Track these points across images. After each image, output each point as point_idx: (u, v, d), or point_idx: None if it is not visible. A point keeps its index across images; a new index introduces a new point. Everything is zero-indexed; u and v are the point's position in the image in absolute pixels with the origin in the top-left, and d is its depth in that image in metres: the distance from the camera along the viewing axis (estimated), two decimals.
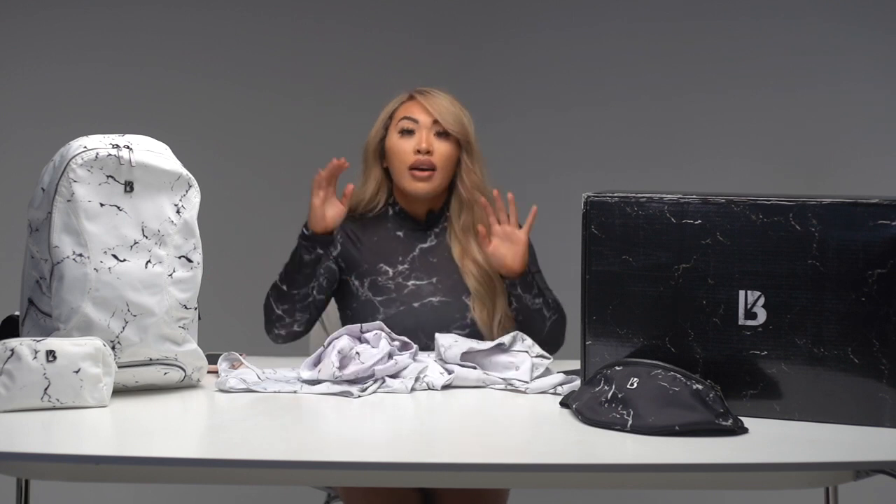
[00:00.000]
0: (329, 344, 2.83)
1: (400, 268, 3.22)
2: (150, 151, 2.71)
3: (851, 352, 2.42)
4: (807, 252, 2.44)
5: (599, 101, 4.53)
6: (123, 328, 2.65)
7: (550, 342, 3.15)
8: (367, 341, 2.85)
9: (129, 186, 2.68)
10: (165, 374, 2.73)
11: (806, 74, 4.45)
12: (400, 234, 3.25)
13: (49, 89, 4.43)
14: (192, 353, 2.75)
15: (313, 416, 2.62)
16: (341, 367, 2.77)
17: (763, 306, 2.47)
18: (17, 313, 2.78)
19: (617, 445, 2.35)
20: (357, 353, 2.80)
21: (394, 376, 2.81)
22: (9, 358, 2.54)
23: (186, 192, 2.74)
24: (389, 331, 2.88)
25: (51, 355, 2.55)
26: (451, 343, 2.89)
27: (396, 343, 2.86)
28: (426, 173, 3.18)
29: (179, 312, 2.71)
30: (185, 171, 2.74)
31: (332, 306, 3.32)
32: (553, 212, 4.12)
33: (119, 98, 4.41)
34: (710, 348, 2.50)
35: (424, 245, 3.25)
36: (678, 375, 2.43)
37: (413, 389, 2.78)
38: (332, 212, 3.11)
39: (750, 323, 2.48)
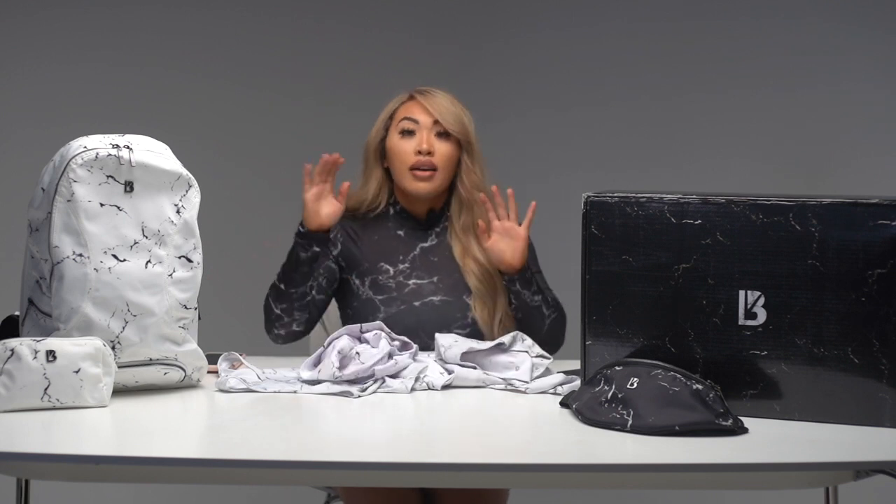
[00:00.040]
0: (329, 344, 2.83)
1: (401, 267, 3.22)
2: (150, 151, 2.71)
3: (851, 352, 2.42)
4: (807, 252, 2.44)
5: (599, 101, 4.53)
6: (123, 328, 2.65)
7: (550, 341, 3.15)
8: (367, 341, 2.85)
9: (129, 186, 2.68)
10: (165, 374, 2.73)
11: (806, 74, 4.45)
12: (401, 233, 3.25)
13: (49, 89, 4.43)
14: (192, 353, 2.75)
15: (313, 416, 2.62)
16: (341, 367, 2.77)
17: (763, 306, 2.47)
18: (17, 313, 2.78)
19: (617, 445, 2.35)
20: (357, 353, 2.80)
21: (394, 376, 2.81)
22: (9, 358, 2.54)
23: (186, 192, 2.74)
24: (389, 331, 2.88)
25: (51, 355, 2.55)
26: (451, 343, 2.89)
27: (396, 343, 2.86)
28: (427, 173, 3.18)
29: (179, 312, 2.71)
30: (185, 171, 2.74)
31: (332, 306, 3.32)
32: (553, 212, 4.12)
33: (119, 98, 4.41)
34: (710, 348, 2.50)
35: (425, 244, 3.25)
36: (678, 375, 2.43)
37: (413, 389, 2.78)
38: (327, 209, 3.11)
39: (750, 323, 2.48)
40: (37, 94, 4.43)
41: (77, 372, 2.56)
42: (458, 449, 2.39)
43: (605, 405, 2.45)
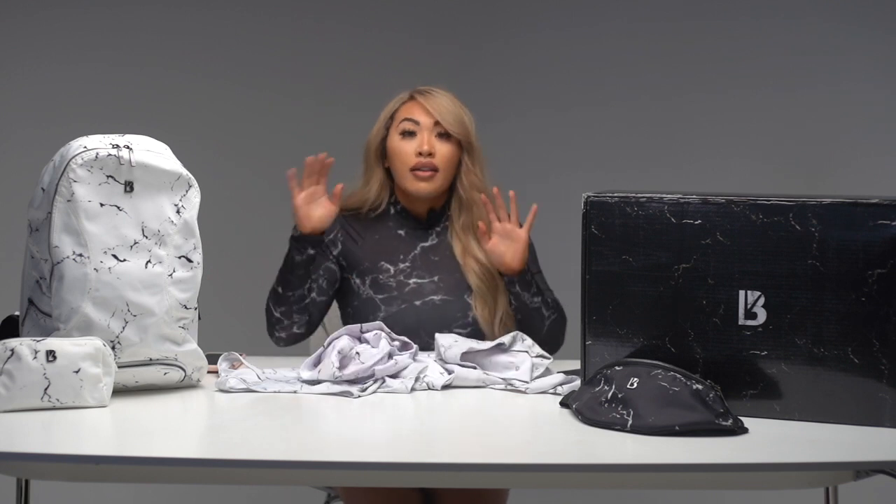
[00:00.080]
0: (329, 344, 2.83)
1: (401, 266, 3.22)
2: (150, 151, 2.71)
3: (851, 352, 2.42)
4: (807, 252, 2.44)
5: (599, 101, 4.53)
6: (123, 328, 2.65)
7: (550, 342, 3.15)
8: (367, 341, 2.85)
9: (129, 186, 2.68)
10: (165, 374, 2.73)
11: (806, 74, 4.45)
12: (401, 232, 3.25)
13: (49, 89, 4.43)
14: (192, 353, 2.75)
15: (313, 416, 2.62)
16: (341, 367, 2.77)
17: (763, 306, 2.47)
18: (17, 313, 2.78)
19: (617, 445, 2.35)
20: (357, 353, 2.80)
21: (394, 376, 2.81)
22: (9, 358, 2.54)
23: (186, 192, 2.74)
24: (389, 331, 2.88)
25: (51, 355, 2.55)
26: (451, 343, 2.89)
27: (396, 343, 2.86)
28: (428, 174, 3.18)
29: (179, 312, 2.71)
30: (185, 171, 2.74)
31: (332, 306, 3.31)
32: (553, 212, 4.12)
33: (119, 98, 4.41)
34: (710, 348, 2.50)
35: (426, 244, 3.25)
36: (678, 375, 2.43)
37: (413, 389, 2.78)
38: (319, 212, 3.11)
39: (750, 323, 2.48)
40: (37, 94, 4.43)
41: (77, 372, 2.56)
42: (458, 449, 2.39)
43: (605, 405, 2.45)
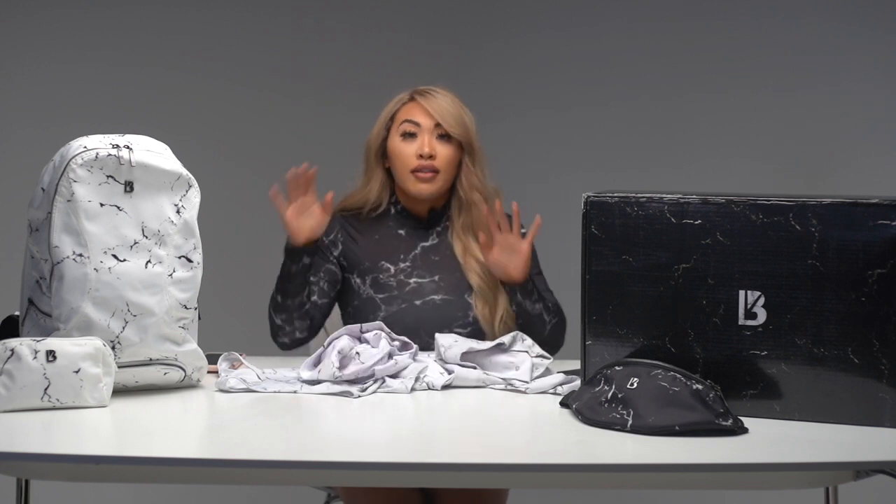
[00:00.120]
0: (329, 344, 2.83)
1: (402, 265, 3.22)
2: (150, 151, 2.71)
3: (851, 352, 2.42)
4: (807, 252, 2.44)
5: (599, 101, 4.53)
6: (123, 328, 2.65)
7: (551, 344, 3.15)
8: (367, 341, 2.85)
9: (129, 186, 2.68)
10: (165, 374, 2.73)
11: (806, 74, 4.45)
12: (402, 232, 3.25)
13: (49, 89, 4.43)
14: (192, 353, 2.75)
15: (313, 416, 2.62)
16: (341, 367, 2.77)
17: (763, 306, 2.47)
18: (17, 313, 2.78)
19: (617, 445, 2.35)
20: (357, 353, 2.80)
21: (394, 376, 2.81)
22: (9, 358, 2.54)
23: (186, 192, 2.74)
24: (389, 331, 2.88)
25: (51, 355, 2.55)
26: (450, 343, 2.89)
27: (396, 343, 2.86)
28: (429, 175, 3.18)
29: (179, 312, 2.71)
30: (185, 171, 2.74)
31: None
32: (553, 212, 4.12)
33: (119, 98, 4.41)
34: (710, 348, 2.50)
35: (426, 243, 3.25)
36: (678, 375, 2.43)
37: (413, 389, 2.78)
38: (310, 222, 3.10)
39: (750, 323, 2.48)
40: (37, 94, 4.43)
41: (77, 372, 2.56)
42: (458, 449, 2.39)
43: (605, 405, 2.45)
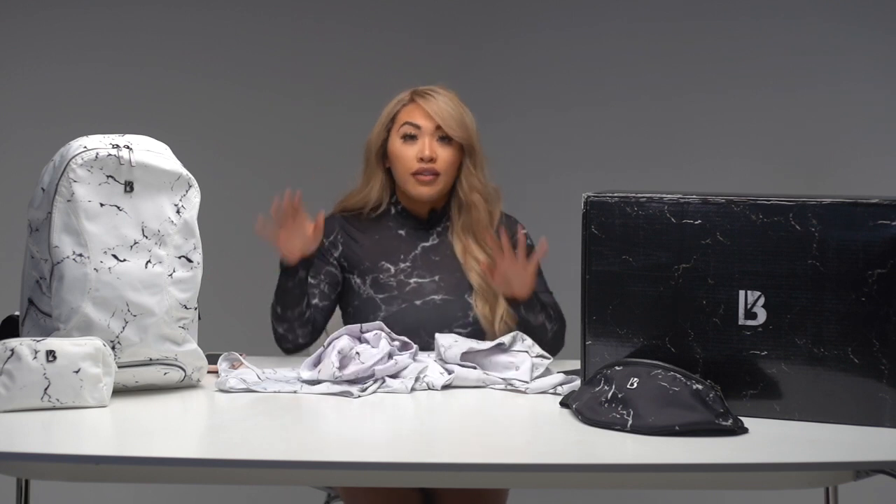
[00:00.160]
0: (329, 344, 2.83)
1: (402, 265, 3.22)
2: (150, 151, 2.71)
3: (851, 352, 2.42)
4: (807, 252, 2.44)
5: (599, 101, 4.53)
6: (123, 328, 2.65)
7: (551, 348, 3.13)
8: (367, 341, 2.85)
9: (129, 186, 2.68)
10: (165, 374, 2.73)
11: (806, 74, 4.45)
12: (402, 232, 3.25)
13: (49, 89, 4.43)
14: (192, 353, 2.75)
15: (313, 416, 2.62)
16: (341, 367, 2.78)
17: (763, 306, 2.47)
18: (17, 313, 2.78)
19: (617, 445, 2.35)
20: (357, 353, 2.80)
21: (394, 376, 2.81)
22: (9, 358, 2.54)
23: (186, 192, 2.74)
24: (389, 331, 2.88)
25: (51, 355, 2.55)
26: (450, 343, 2.89)
27: (396, 343, 2.86)
28: (429, 178, 3.18)
29: (179, 312, 2.71)
30: (185, 171, 2.74)
31: None
32: (553, 212, 4.12)
33: (119, 98, 4.41)
34: (710, 348, 2.50)
35: (426, 244, 3.25)
36: (678, 375, 2.43)
37: (413, 389, 2.78)
38: (300, 243, 3.08)
39: (750, 323, 2.48)
40: (37, 94, 4.43)
41: (77, 372, 2.56)
42: (458, 449, 2.39)
43: (605, 405, 2.45)
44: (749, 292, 2.48)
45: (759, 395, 2.48)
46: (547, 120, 4.55)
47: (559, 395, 2.73)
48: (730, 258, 2.49)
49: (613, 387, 2.46)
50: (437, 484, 2.76)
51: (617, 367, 2.50)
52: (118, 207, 2.67)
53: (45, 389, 2.54)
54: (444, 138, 3.19)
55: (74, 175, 2.64)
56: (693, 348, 2.51)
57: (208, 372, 2.83)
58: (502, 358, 2.88)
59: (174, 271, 2.71)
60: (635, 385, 2.44)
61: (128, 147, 2.68)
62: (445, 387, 2.81)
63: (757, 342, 2.47)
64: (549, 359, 2.88)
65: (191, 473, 2.40)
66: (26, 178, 3.08)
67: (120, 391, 2.68)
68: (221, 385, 2.76)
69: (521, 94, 4.55)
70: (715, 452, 2.29)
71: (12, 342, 2.55)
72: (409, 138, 3.19)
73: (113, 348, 2.63)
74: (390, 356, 2.82)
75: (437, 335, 2.94)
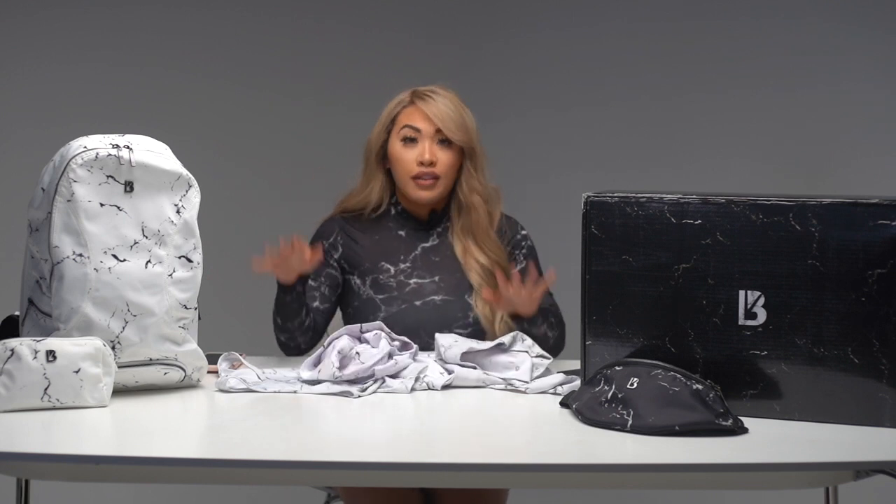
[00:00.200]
0: (329, 344, 2.83)
1: (402, 266, 3.21)
2: (150, 151, 2.71)
3: (851, 352, 2.42)
4: (807, 252, 2.44)
5: (599, 101, 4.53)
6: (123, 328, 2.65)
7: (551, 352, 3.12)
8: (367, 341, 2.85)
9: (129, 186, 2.68)
10: (165, 374, 2.73)
11: (806, 74, 4.45)
12: (402, 233, 3.25)
13: (49, 89, 4.43)
14: (192, 353, 2.75)
15: (313, 416, 2.62)
16: (341, 367, 2.78)
17: (763, 306, 2.47)
18: (17, 313, 2.78)
19: (617, 445, 2.35)
20: (357, 353, 2.80)
21: (394, 376, 2.81)
22: (9, 358, 2.54)
23: (186, 192, 2.74)
24: (389, 331, 2.88)
25: (51, 355, 2.55)
26: (450, 343, 2.89)
27: (396, 343, 2.87)
28: (429, 182, 3.17)
29: (179, 312, 2.71)
30: (185, 171, 2.74)
31: None
32: (553, 212, 4.12)
33: (119, 98, 4.41)
34: (710, 348, 2.50)
35: (426, 244, 3.24)
36: (678, 375, 2.43)
37: (413, 389, 2.78)
38: (298, 263, 3.07)
39: (750, 323, 2.48)
40: (37, 94, 4.43)
41: (77, 372, 2.56)
42: (458, 449, 2.39)
43: (605, 405, 2.45)
44: (749, 292, 2.48)
45: (759, 395, 2.48)
46: (547, 120, 4.55)
47: (559, 395, 2.73)
48: (730, 258, 2.49)
49: (613, 387, 2.46)
50: (437, 484, 2.76)
51: (617, 367, 2.50)
52: (118, 207, 2.67)
53: (45, 389, 2.54)
54: (444, 141, 3.18)
55: (74, 175, 2.64)
56: (693, 348, 2.51)
57: (208, 372, 2.83)
58: (502, 358, 2.88)
59: (174, 271, 2.71)
60: (635, 385, 2.44)
61: (128, 147, 2.68)
62: (445, 387, 2.81)
63: (757, 342, 2.47)
64: (549, 359, 2.88)
65: (191, 473, 2.40)
66: (26, 178, 3.08)
67: (120, 391, 2.68)
68: (221, 385, 2.76)
69: (521, 94, 4.55)
70: (715, 452, 2.29)
71: (12, 342, 2.55)
72: (409, 141, 3.19)
73: (113, 348, 2.63)
74: (390, 356, 2.82)
75: (437, 335, 2.94)
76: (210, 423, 2.59)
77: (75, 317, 2.62)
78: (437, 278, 3.21)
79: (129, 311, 2.65)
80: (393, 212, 3.26)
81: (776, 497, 3.85)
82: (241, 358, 2.91)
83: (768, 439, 2.37)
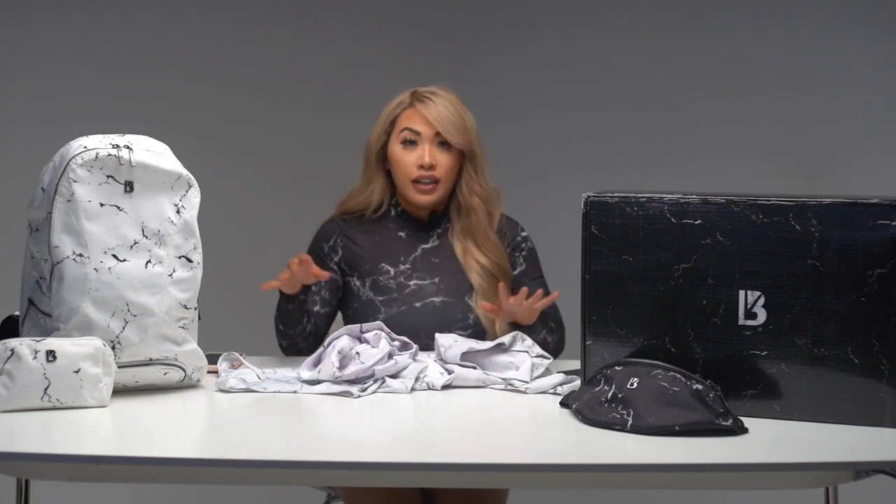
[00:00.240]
0: (329, 344, 2.83)
1: (402, 267, 3.21)
2: (150, 151, 2.71)
3: (851, 352, 2.42)
4: (807, 252, 2.44)
5: (599, 101, 4.53)
6: (123, 328, 2.65)
7: (551, 354, 3.12)
8: (367, 341, 2.85)
9: (129, 186, 2.68)
10: (165, 374, 2.73)
11: (806, 74, 4.45)
12: (402, 234, 3.24)
13: (49, 89, 4.43)
14: (192, 353, 2.75)
15: (313, 416, 2.62)
16: (341, 367, 2.78)
17: (763, 306, 2.47)
18: (17, 313, 2.78)
19: (617, 445, 2.35)
20: (357, 353, 2.80)
21: (394, 376, 2.81)
22: (9, 358, 2.54)
23: (186, 192, 2.74)
24: (389, 331, 2.88)
25: (51, 355, 2.55)
26: (450, 343, 2.89)
27: (396, 343, 2.87)
28: (429, 186, 3.17)
29: (179, 312, 2.71)
30: (185, 171, 2.74)
31: None
32: (553, 212, 4.12)
33: (119, 98, 4.41)
34: (710, 348, 2.50)
35: (427, 245, 3.24)
36: (678, 375, 2.43)
37: (413, 389, 2.78)
38: (304, 277, 3.07)
39: (750, 323, 2.48)
40: (37, 94, 4.43)
41: (77, 372, 2.56)
42: (458, 449, 2.39)
43: (605, 405, 2.45)
44: (749, 292, 2.48)
45: (759, 395, 2.48)
46: (547, 120, 4.55)
47: (559, 395, 2.73)
48: (730, 258, 2.49)
49: (613, 387, 2.46)
50: (437, 484, 2.76)
51: (617, 367, 2.50)
52: (118, 207, 2.67)
53: (45, 389, 2.54)
54: (444, 143, 3.18)
55: (74, 175, 2.64)
56: (693, 348, 2.51)
57: (208, 372, 2.83)
58: (502, 358, 2.88)
59: (174, 271, 2.71)
60: (635, 385, 2.44)
61: (128, 147, 2.68)
62: (445, 387, 2.81)
63: (757, 342, 2.47)
64: (549, 359, 2.88)
65: (191, 473, 2.40)
66: (26, 178, 3.08)
67: (120, 391, 2.68)
68: (221, 385, 2.76)
69: (521, 94, 4.55)
70: (715, 452, 2.29)
71: (12, 342, 2.55)
72: (409, 143, 3.19)
73: (113, 348, 2.63)
74: (390, 356, 2.82)
75: (437, 335, 2.94)
76: (210, 423, 2.59)
77: (75, 317, 2.62)
78: (437, 280, 3.21)
79: (129, 311, 2.65)
80: (393, 213, 3.26)
81: (776, 497, 3.85)
82: (241, 358, 2.91)
83: (768, 439, 2.37)
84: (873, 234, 2.40)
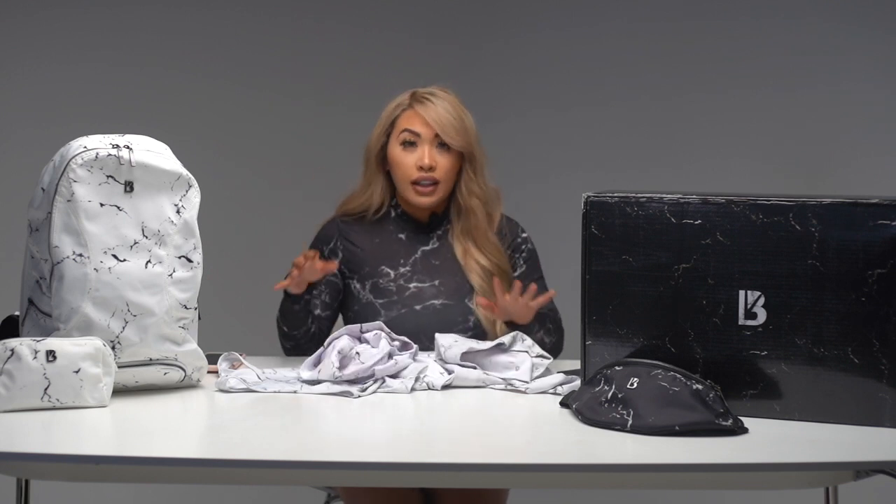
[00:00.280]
0: (329, 344, 2.83)
1: (402, 270, 3.21)
2: (150, 151, 2.71)
3: (851, 352, 2.42)
4: (807, 252, 2.44)
5: (599, 101, 4.53)
6: (123, 328, 2.65)
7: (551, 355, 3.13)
8: (367, 341, 2.85)
9: (129, 186, 2.68)
10: (165, 374, 2.73)
11: (806, 74, 4.45)
12: (402, 236, 3.24)
13: (49, 89, 4.43)
14: (192, 353, 2.75)
15: (313, 416, 2.62)
16: (341, 367, 2.78)
17: (763, 306, 2.47)
18: (17, 313, 2.78)
19: (617, 445, 2.35)
20: (357, 353, 2.80)
21: (394, 376, 2.81)
22: (9, 358, 2.54)
23: (186, 192, 2.74)
24: (389, 331, 2.88)
25: (51, 355, 2.55)
26: (451, 343, 2.89)
27: (396, 343, 2.86)
28: (429, 188, 3.17)
29: (179, 312, 2.71)
30: (185, 171, 2.74)
31: None
32: (553, 212, 4.12)
33: (119, 98, 4.41)
34: (710, 348, 2.50)
35: (427, 247, 3.24)
36: (678, 375, 2.43)
37: (413, 389, 2.78)
38: (310, 274, 3.08)
39: (750, 323, 2.48)
40: (37, 94, 4.43)
41: (77, 372, 2.56)
42: (458, 449, 2.39)
43: (605, 405, 2.45)
44: (749, 292, 2.48)
45: (759, 395, 2.48)
46: (547, 120, 4.55)
47: (559, 395, 2.73)
48: (730, 258, 2.49)
49: (613, 387, 2.46)
50: (437, 484, 2.76)
51: (617, 367, 2.50)
52: (118, 207, 2.67)
53: (45, 389, 2.54)
54: (444, 145, 3.18)
55: (74, 175, 2.64)
56: (693, 348, 2.51)
57: (208, 372, 2.83)
58: (502, 358, 2.88)
59: (174, 271, 2.71)
60: (635, 385, 2.44)
61: (128, 147, 2.68)
62: (445, 387, 2.81)
63: (757, 342, 2.47)
64: (549, 359, 2.88)
65: (191, 473, 2.40)
66: (26, 178, 3.08)
67: (120, 391, 2.68)
68: (221, 385, 2.76)
69: (521, 94, 4.55)
70: (715, 452, 2.29)
71: (12, 342, 2.55)
72: (409, 145, 3.18)
73: (113, 348, 2.63)
74: (390, 356, 2.82)
75: (437, 335, 2.94)
76: (210, 423, 2.59)
77: (75, 317, 2.62)
78: (437, 282, 3.20)
79: (129, 311, 2.65)
80: (393, 214, 3.25)
81: (776, 497, 3.85)
82: (241, 358, 2.91)
83: (768, 439, 2.37)
84: (873, 234, 2.40)
